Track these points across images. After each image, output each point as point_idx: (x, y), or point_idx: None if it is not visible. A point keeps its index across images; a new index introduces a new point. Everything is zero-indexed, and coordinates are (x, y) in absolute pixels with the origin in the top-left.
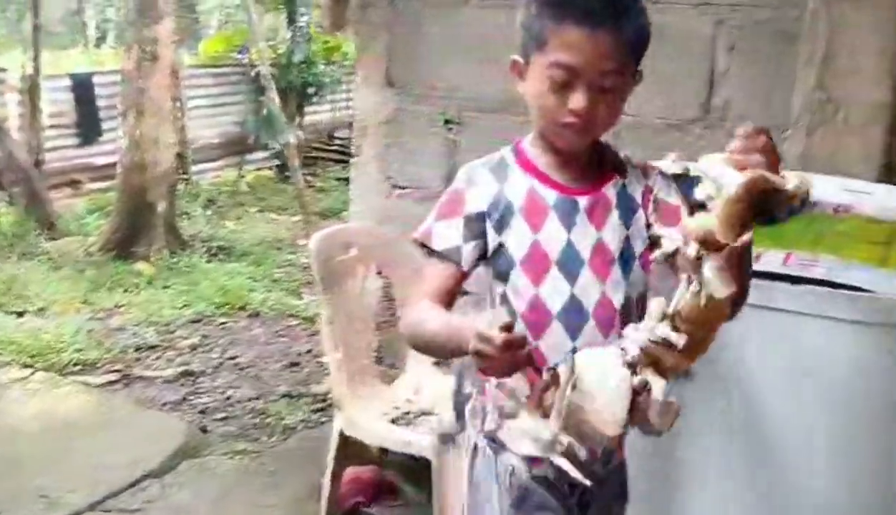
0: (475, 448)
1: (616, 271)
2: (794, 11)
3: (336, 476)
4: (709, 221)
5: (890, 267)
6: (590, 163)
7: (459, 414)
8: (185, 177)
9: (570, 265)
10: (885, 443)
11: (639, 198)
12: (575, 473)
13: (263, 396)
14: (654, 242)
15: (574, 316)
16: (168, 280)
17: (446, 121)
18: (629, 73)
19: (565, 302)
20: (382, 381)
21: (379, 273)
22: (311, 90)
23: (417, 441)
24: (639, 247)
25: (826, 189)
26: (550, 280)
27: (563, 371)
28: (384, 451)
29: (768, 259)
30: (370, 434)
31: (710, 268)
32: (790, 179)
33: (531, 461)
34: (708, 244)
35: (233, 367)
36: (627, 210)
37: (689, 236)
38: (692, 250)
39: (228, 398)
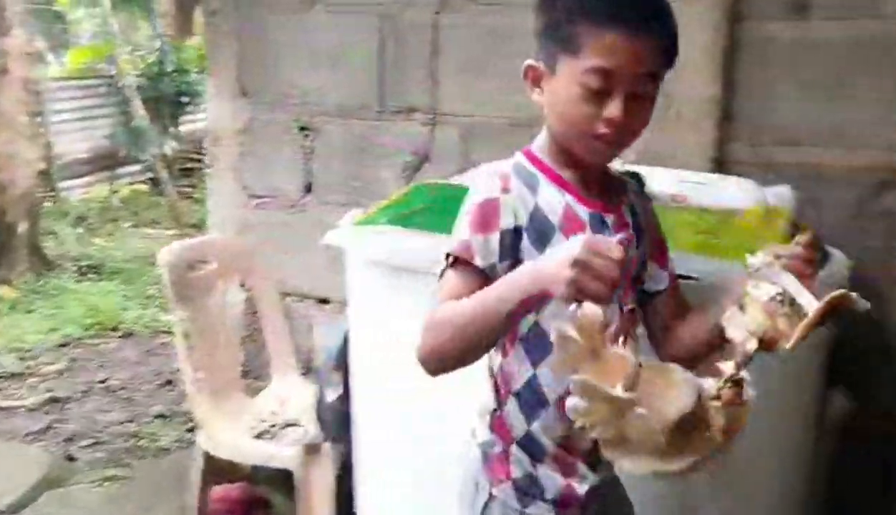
0: (490, 499)
1: (631, 293)
2: None
3: (204, 496)
4: (779, 326)
5: (717, 254)
6: (605, 179)
7: (323, 424)
8: (51, 194)
9: None
10: None
11: (644, 223)
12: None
13: (136, 418)
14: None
15: None
16: (33, 303)
17: (301, 128)
18: (661, 79)
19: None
20: (248, 395)
21: (242, 285)
22: (185, 99)
23: (280, 453)
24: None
25: (663, 180)
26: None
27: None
28: (255, 466)
29: None
30: (233, 451)
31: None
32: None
33: (560, 505)
34: (765, 343)
35: (103, 391)
36: (639, 231)
37: (755, 332)
38: (752, 346)
39: (97, 423)
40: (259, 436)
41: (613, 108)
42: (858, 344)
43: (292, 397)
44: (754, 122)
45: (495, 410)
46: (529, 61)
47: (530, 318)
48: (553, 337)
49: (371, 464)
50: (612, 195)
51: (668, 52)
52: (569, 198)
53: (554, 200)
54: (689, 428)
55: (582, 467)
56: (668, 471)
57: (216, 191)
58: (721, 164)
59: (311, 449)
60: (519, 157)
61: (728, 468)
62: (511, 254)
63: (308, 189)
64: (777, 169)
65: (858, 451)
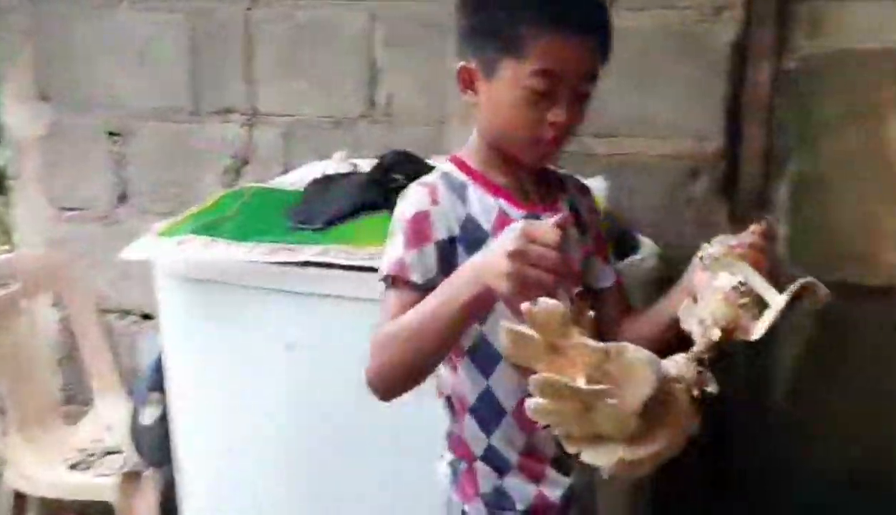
0: None
1: (580, 290)
2: (443, 4)
3: None
4: (743, 316)
5: None
6: (542, 178)
7: (140, 449)
8: None
9: None
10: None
11: (585, 216)
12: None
13: None
14: None
15: None
16: None
17: (110, 133)
18: (599, 77)
19: None
20: (67, 422)
21: (56, 304)
22: None
23: (96, 484)
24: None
25: None
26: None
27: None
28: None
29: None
30: (45, 487)
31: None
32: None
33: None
34: (726, 333)
35: None
36: (581, 227)
37: (717, 322)
38: (715, 335)
39: None
40: (75, 467)
41: (559, 111)
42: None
43: (117, 422)
44: None
45: (451, 432)
46: (462, 63)
47: (476, 329)
48: (504, 338)
49: (194, 490)
50: (549, 194)
51: (606, 51)
52: (501, 202)
53: (486, 206)
54: (655, 409)
55: (552, 472)
56: (640, 458)
57: (22, 203)
58: None
59: (130, 478)
60: (446, 166)
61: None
62: (448, 266)
63: (123, 198)
64: (594, 160)
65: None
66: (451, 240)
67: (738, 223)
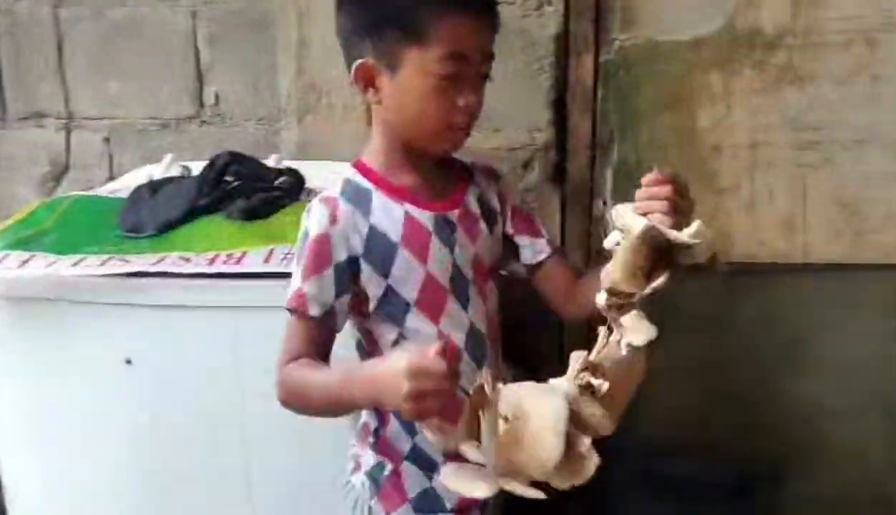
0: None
1: (491, 285)
2: (264, 1)
3: None
4: (613, 270)
5: None
6: (445, 172)
7: None
8: None
9: (460, 290)
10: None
11: (496, 205)
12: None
13: None
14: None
15: (478, 344)
16: None
17: None
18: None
19: (467, 331)
20: None
21: None
22: None
23: None
24: (497, 258)
25: (323, 175)
26: (449, 312)
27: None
28: None
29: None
30: None
31: (628, 317)
32: (689, 230)
33: (459, 512)
34: (615, 293)
35: None
36: (490, 218)
37: (605, 286)
38: (601, 299)
39: None
40: None
41: (470, 95)
42: (523, 317)
43: None
44: None
45: (377, 429)
46: (359, 61)
47: (394, 330)
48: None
49: None
50: (454, 187)
51: (496, 31)
52: (408, 207)
53: (392, 215)
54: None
55: None
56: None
57: None
58: None
59: None
60: (350, 173)
61: None
62: (350, 287)
63: None
64: None
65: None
66: (354, 260)
67: (570, 210)
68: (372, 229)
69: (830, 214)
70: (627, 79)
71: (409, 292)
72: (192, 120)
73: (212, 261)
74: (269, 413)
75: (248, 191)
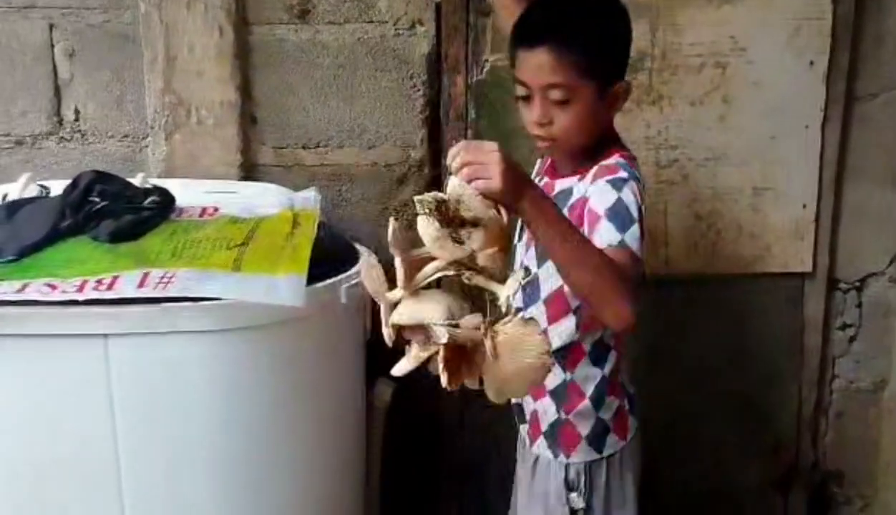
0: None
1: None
2: (127, 14)
3: None
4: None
5: (244, 270)
6: (579, 164)
7: None
8: None
9: None
10: (250, 438)
11: (574, 200)
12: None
13: None
14: None
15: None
16: None
17: None
18: (585, 86)
19: None
20: None
21: None
22: None
23: None
24: None
25: (193, 193)
26: None
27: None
28: None
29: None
30: None
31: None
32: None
33: None
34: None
35: None
36: (562, 205)
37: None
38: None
39: None
40: None
41: (530, 113)
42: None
43: None
44: (277, 126)
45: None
46: None
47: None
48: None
49: None
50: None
51: (577, 65)
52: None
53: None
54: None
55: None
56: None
57: None
58: (249, 170)
59: None
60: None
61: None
62: None
63: None
64: (304, 171)
65: (406, 426)
66: None
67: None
68: None
69: (688, 227)
70: (498, 97)
71: None
72: (49, 137)
73: (80, 288)
74: (144, 445)
75: (117, 211)
